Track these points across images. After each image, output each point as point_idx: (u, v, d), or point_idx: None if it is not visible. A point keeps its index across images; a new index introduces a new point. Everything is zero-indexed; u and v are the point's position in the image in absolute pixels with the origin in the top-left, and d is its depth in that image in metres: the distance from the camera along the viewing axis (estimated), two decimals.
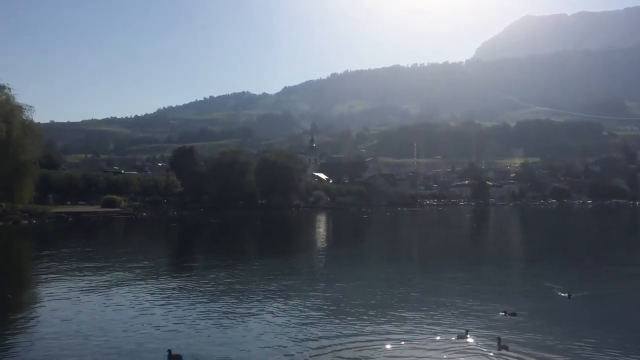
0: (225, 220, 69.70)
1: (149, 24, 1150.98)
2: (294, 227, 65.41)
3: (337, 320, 13.67)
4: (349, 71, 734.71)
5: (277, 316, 14.16)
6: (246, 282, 20.22)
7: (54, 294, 17.24)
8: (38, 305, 16.22)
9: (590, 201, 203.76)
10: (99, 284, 19.34)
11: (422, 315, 14.14)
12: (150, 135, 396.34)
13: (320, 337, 12.05)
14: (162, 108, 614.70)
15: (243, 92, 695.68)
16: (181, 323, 13.37)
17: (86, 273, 22.00)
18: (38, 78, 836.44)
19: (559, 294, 17.07)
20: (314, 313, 14.61)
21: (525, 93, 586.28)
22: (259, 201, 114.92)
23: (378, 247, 39.32)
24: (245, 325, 13.14)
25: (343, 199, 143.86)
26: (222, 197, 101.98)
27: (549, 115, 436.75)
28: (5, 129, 53.84)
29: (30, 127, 59.81)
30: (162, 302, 15.94)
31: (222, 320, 13.66)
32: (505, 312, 14.14)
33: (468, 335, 11.78)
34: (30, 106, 60.06)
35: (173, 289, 18.55)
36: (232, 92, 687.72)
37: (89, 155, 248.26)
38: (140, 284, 19.27)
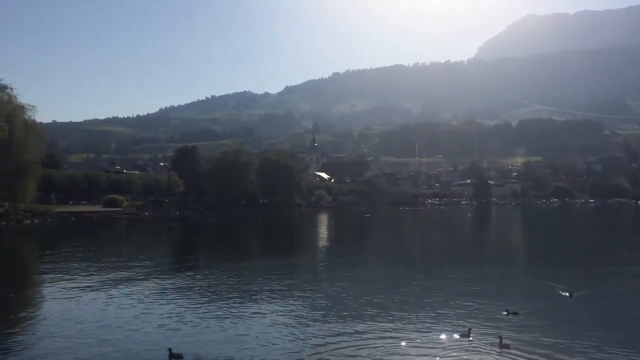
0: (226, 219, 69.76)
1: (150, 24, 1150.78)
2: (296, 226, 65.43)
3: (338, 319, 13.68)
4: (350, 70, 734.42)
5: (278, 315, 14.17)
6: (247, 281, 20.26)
7: (55, 293, 17.29)
8: (40, 304, 16.30)
9: (592, 200, 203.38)
10: (100, 283, 19.38)
11: (424, 314, 14.14)
12: (152, 135, 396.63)
13: (322, 336, 12.06)
14: (163, 108, 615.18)
15: (245, 91, 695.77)
16: (182, 322, 13.39)
17: (88, 272, 22.04)
18: (39, 78, 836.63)
19: (561, 293, 17.05)
20: (315, 312, 14.63)
21: (527, 92, 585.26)
22: (261, 201, 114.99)
23: (379, 247, 39.34)
24: (246, 324, 13.15)
25: (345, 198, 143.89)
26: (223, 197, 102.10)
27: (551, 114, 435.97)
28: (8, 128, 53.95)
29: (33, 127, 59.96)
30: (164, 301, 15.98)
31: (223, 319, 13.69)
32: (507, 312, 14.13)
33: (470, 334, 11.79)
34: (33, 106, 60.32)
35: (174, 288, 18.59)
36: (233, 92, 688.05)
37: (91, 155, 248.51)
38: (142, 283, 19.31)
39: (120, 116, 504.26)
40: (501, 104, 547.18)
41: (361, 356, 10.68)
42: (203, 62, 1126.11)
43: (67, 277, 20.78)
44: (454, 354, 10.76)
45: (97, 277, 20.87)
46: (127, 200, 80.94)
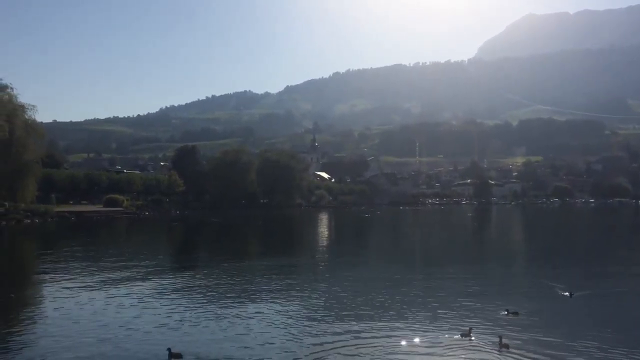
0: (227, 219, 69.78)
1: (150, 24, 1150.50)
2: (296, 226, 65.46)
3: (338, 319, 13.68)
4: (350, 70, 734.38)
5: (278, 315, 14.17)
6: (247, 281, 20.26)
7: (55, 293, 17.29)
8: (40, 303, 16.32)
9: (592, 200, 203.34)
10: (100, 282, 19.39)
11: (424, 314, 14.14)
12: (152, 135, 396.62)
13: (321, 336, 12.06)
14: (164, 107, 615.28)
15: (245, 91, 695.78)
16: (182, 321, 13.40)
17: (88, 272, 22.06)
18: (40, 78, 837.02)
19: (561, 293, 17.05)
20: (314, 312, 14.63)
21: (528, 92, 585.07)
22: (261, 200, 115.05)
23: (379, 247, 39.36)
24: (245, 324, 13.15)
25: (345, 198, 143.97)
26: (224, 197, 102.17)
27: (551, 114, 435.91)
28: (8, 128, 53.98)
29: (33, 127, 60.00)
30: (164, 301, 15.98)
31: (222, 319, 13.69)
32: (507, 311, 14.12)
33: (471, 333, 11.80)
34: (33, 106, 60.39)
35: (174, 287, 18.60)
36: (234, 92, 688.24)
37: (91, 155, 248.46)
38: (142, 283, 19.33)
39: (121, 116, 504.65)
40: (501, 103, 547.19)
41: (360, 355, 10.67)
42: (203, 62, 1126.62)
43: (67, 276, 20.79)
44: (454, 353, 10.76)
45: (97, 276, 20.89)
46: (127, 200, 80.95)
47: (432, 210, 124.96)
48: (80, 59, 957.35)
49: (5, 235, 44.20)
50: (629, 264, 26.20)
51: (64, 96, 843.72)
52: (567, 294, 16.78)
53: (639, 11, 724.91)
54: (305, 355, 10.72)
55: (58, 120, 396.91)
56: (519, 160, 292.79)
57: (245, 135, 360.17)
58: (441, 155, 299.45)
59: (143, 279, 20.26)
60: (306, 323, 13.30)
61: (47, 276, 21.11)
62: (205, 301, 16.09)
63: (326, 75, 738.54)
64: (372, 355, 10.65)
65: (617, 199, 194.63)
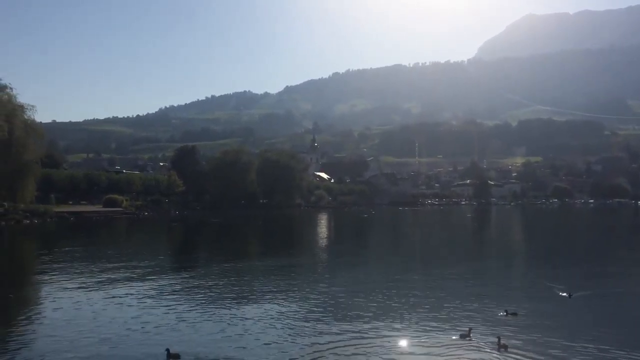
0: (226, 219, 69.77)
1: (149, 24, 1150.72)
2: (296, 226, 65.46)
3: (337, 319, 13.68)
4: (350, 70, 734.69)
5: (277, 315, 14.17)
6: (246, 281, 20.26)
7: (55, 293, 17.29)
8: (39, 304, 16.31)
9: (592, 200, 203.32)
10: (99, 283, 19.39)
11: (423, 314, 14.14)
12: (152, 135, 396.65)
13: (321, 336, 12.06)
14: (163, 107, 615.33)
15: (245, 91, 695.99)
16: (181, 322, 13.39)
17: (87, 272, 22.07)
18: (39, 78, 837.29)
19: (560, 293, 17.05)
20: (314, 312, 14.63)
21: (527, 92, 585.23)
22: (261, 201, 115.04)
23: (379, 247, 39.35)
24: (244, 324, 13.14)
25: (344, 198, 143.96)
26: (223, 197, 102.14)
27: (551, 115, 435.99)
28: (7, 128, 53.93)
29: (32, 127, 59.96)
30: (162, 301, 15.97)
31: (221, 319, 13.68)
32: (506, 312, 14.13)
33: (471, 334, 11.80)
34: (32, 106, 60.33)
35: (173, 288, 18.59)
36: (233, 92, 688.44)
37: (90, 155, 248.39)
38: (141, 283, 19.32)
39: (120, 116, 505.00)
40: (501, 104, 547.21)
41: (360, 355, 10.68)
42: (203, 62, 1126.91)
43: (66, 277, 20.79)
44: (454, 354, 10.76)
45: (96, 276, 20.88)
46: (126, 200, 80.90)
47: (431, 211, 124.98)
48: (80, 59, 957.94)
49: (4, 236, 44.17)
50: (628, 264, 26.22)
51: (63, 96, 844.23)
52: (566, 294, 16.78)
53: (639, 11, 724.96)
54: (304, 355, 10.72)
55: (57, 121, 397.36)
56: (519, 161, 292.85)
57: (245, 135, 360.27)
58: (441, 156, 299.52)
59: (142, 280, 20.25)
60: (305, 323, 13.30)
61: (46, 276, 21.10)
62: (204, 301, 16.09)
63: (326, 76, 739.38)
64: (372, 356, 10.65)
65: (617, 200, 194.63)
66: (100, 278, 20.55)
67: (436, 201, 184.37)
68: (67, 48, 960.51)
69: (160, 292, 17.59)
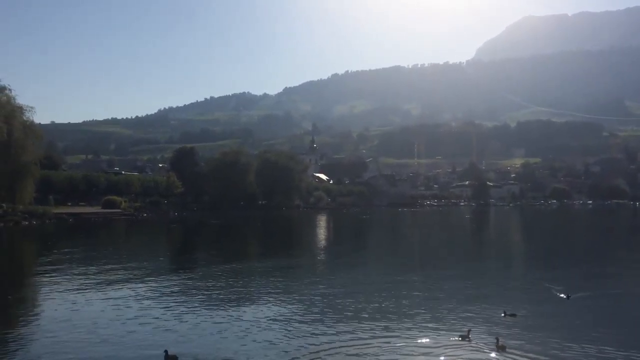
0: (226, 220, 69.73)
1: (149, 25, 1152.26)
2: (295, 227, 65.44)
3: (336, 321, 13.68)
4: (349, 71, 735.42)
5: (276, 316, 14.16)
6: (245, 282, 20.25)
7: (53, 295, 17.27)
8: (37, 305, 16.29)
9: (590, 202, 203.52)
10: (98, 284, 19.38)
11: (422, 315, 14.15)
12: (151, 136, 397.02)
13: (320, 337, 12.05)
14: (163, 109, 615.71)
15: (244, 92, 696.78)
16: (180, 323, 13.38)
17: (86, 273, 22.03)
18: (38, 79, 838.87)
19: (559, 294, 17.07)
20: (313, 313, 14.62)
21: (526, 93, 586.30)
22: (260, 202, 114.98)
23: (378, 248, 39.34)
24: (243, 326, 13.13)
25: (343, 199, 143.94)
26: (223, 198, 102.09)
27: (550, 116, 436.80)
28: (6, 130, 53.84)
29: (31, 128, 59.87)
30: (161, 302, 15.96)
31: (220, 321, 13.67)
32: (504, 313, 14.15)
33: (470, 335, 11.81)
34: (31, 107, 60.23)
35: (172, 289, 18.56)
36: (232, 93, 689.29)
37: (89, 156, 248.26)
38: (140, 284, 19.30)
39: (119, 117, 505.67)
40: (500, 105, 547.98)
41: (359, 356, 10.69)
42: (202, 63, 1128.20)
43: (64, 278, 20.76)
44: (452, 355, 10.77)
45: (95, 278, 20.86)
46: (125, 201, 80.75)
47: (430, 212, 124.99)
48: (78, 60, 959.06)
49: (3, 237, 44.10)
50: (626, 265, 26.25)
51: (62, 97, 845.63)
52: (564, 295, 16.80)
53: (637, 13, 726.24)
54: (303, 356, 10.73)
55: (56, 122, 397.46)
56: (518, 162, 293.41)
57: (244, 136, 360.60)
58: (440, 157, 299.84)
59: (140, 281, 20.23)
60: (304, 324, 13.30)
61: (44, 278, 21.07)
62: (202, 302, 16.09)
63: (325, 77, 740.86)
64: (371, 357, 10.65)
65: (615, 201, 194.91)
66: (98, 279, 20.53)
67: (435, 202, 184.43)
68: (65, 49, 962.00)
69: (159, 293, 17.58)
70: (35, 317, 14.32)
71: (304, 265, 26.57)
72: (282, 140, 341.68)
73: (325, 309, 15.18)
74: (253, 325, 13.15)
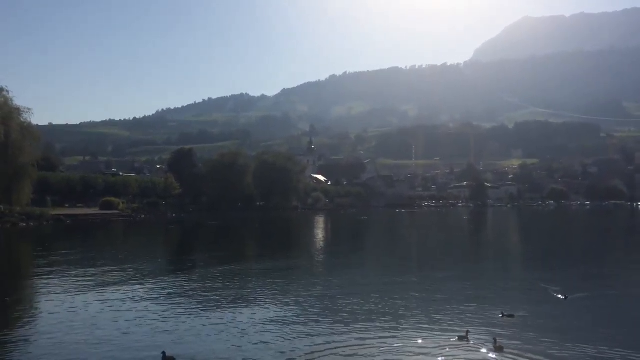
0: (224, 222, 69.69)
1: (147, 27, 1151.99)
2: (293, 228, 65.42)
3: (334, 322, 13.67)
4: (347, 73, 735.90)
5: (274, 317, 14.15)
6: (243, 284, 20.24)
7: (50, 296, 17.24)
8: (35, 307, 16.26)
9: (588, 202, 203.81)
10: (96, 286, 19.34)
11: (420, 316, 14.16)
12: (149, 138, 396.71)
13: (317, 338, 12.05)
14: (161, 110, 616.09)
15: (242, 94, 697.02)
16: (177, 325, 13.37)
17: (83, 275, 21.98)
18: (36, 80, 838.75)
19: (556, 295, 17.09)
20: (311, 314, 14.62)
21: (524, 94, 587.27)
22: (258, 203, 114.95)
23: (376, 249, 39.34)
24: (241, 327, 13.12)
25: (341, 200, 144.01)
26: (221, 199, 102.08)
27: (547, 117, 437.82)
28: (4, 131, 53.79)
29: (29, 130, 59.79)
30: (159, 304, 15.94)
31: (217, 322, 13.65)
32: (502, 314, 14.16)
33: (469, 336, 11.82)
34: (29, 109, 60.19)
35: (170, 290, 18.54)
36: (230, 94, 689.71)
37: (87, 158, 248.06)
38: (137, 286, 19.27)
39: (117, 118, 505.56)
40: (498, 106, 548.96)
41: (357, 356, 10.70)
42: (200, 64, 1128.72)
43: (62, 280, 20.71)
44: (450, 356, 10.79)
45: (93, 279, 20.83)
46: (123, 203, 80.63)
47: (428, 213, 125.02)
48: (76, 62, 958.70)
49: (0, 239, 43.99)
50: (624, 266, 26.30)
51: (59, 99, 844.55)
52: (562, 296, 16.82)
53: (635, 14, 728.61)
54: (301, 357, 10.74)
55: (54, 123, 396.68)
56: (515, 163, 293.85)
57: (242, 137, 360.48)
58: (438, 158, 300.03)
59: (138, 282, 20.20)
60: (302, 325, 13.30)
61: (42, 279, 21.02)
62: (200, 304, 16.06)
63: (323, 78, 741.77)
64: (369, 358, 10.66)
65: (613, 202, 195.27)
66: (96, 281, 20.49)
67: (433, 203, 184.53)
68: (63, 51, 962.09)
69: (157, 295, 17.56)
70: (33, 319, 14.31)
71: (302, 266, 26.57)
72: (280, 141, 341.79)
73: (322, 310, 15.18)
74: (250, 327, 13.15)
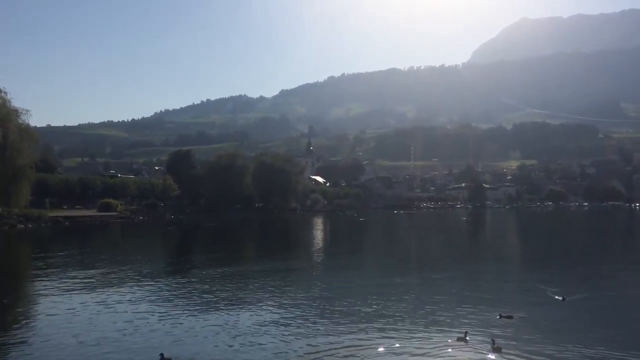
0: (222, 223, 69.64)
1: (145, 29, 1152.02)
2: (291, 230, 65.39)
3: (332, 323, 13.67)
4: (345, 74, 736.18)
5: (272, 319, 14.14)
6: (241, 285, 20.22)
7: (49, 298, 17.22)
8: (33, 309, 16.23)
9: (586, 203, 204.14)
10: (94, 287, 19.33)
11: (418, 318, 14.16)
12: (147, 139, 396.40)
13: (316, 340, 12.04)
14: (159, 111, 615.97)
15: (240, 95, 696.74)
16: (175, 326, 13.36)
17: (81, 277, 21.95)
18: (34, 81, 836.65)
19: (554, 297, 17.11)
20: (309, 316, 14.61)
21: (522, 95, 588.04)
22: (256, 204, 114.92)
23: (374, 251, 39.33)
24: (239, 329, 13.11)
25: (340, 202, 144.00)
26: (219, 201, 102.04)
27: (545, 118, 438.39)
28: (2, 133, 53.73)
29: (27, 131, 59.74)
30: (157, 305, 15.93)
31: (215, 324, 13.64)
32: (500, 315, 14.17)
33: (467, 337, 11.82)
34: (27, 110, 60.16)
35: (168, 292, 18.54)
36: (229, 96, 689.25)
37: (85, 159, 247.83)
38: (135, 288, 19.26)
39: (115, 120, 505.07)
40: (496, 107, 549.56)
41: (355, 357, 10.70)
42: (199, 65, 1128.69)
43: (60, 281, 20.68)
44: (449, 356, 10.80)
45: (91, 281, 20.81)
46: (121, 204, 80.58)
47: (426, 214, 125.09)
48: (74, 63, 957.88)
49: None
50: (622, 267, 26.32)
51: (58, 100, 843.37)
52: (560, 297, 16.84)
53: (633, 15, 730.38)
54: (299, 357, 10.74)
55: (52, 125, 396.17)
56: (514, 164, 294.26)
57: (240, 139, 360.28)
58: (436, 159, 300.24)
59: (136, 284, 20.18)
60: (301, 327, 13.29)
61: (40, 281, 20.99)
62: (198, 305, 16.05)
63: (321, 79, 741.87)
64: (367, 358, 10.67)
65: (611, 203, 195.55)
66: (94, 282, 20.48)
67: (431, 204, 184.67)
68: (61, 52, 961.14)
69: (155, 296, 17.55)
70: (30, 320, 14.28)
71: (300, 267, 26.58)
72: (279, 142, 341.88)
73: (320, 312, 15.17)
74: (249, 328, 13.14)
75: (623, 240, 50.75)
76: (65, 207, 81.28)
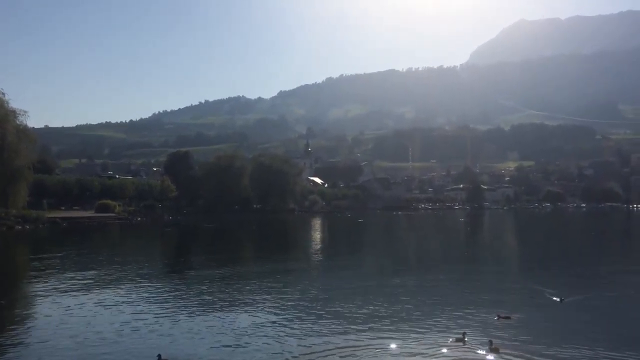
0: (220, 224, 69.62)
1: (144, 29, 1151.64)
2: (290, 231, 65.36)
3: (331, 324, 13.67)
4: (344, 75, 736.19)
5: (270, 320, 14.13)
6: (239, 286, 20.19)
7: (46, 299, 17.20)
8: (31, 309, 16.20)
9: (584, 205, 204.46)
10: (91, 288, 19.31)
11: (417, 319, 14.16)
12: (145, 140, 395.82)
13: (314, 340, 12.04)
14: (157, 112, 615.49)
15: (239, 96, 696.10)
16: (173, 327, 13.35)
17: (79, 278, 21.93)
18: (32, 82, 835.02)
19: (552, 298, 17.12)
20: (307, 316, 14.60)
21: (520, 97, 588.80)
22: (255, 205, 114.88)
23: (372, 252, 39.33)
24: (237, 330, 13.11)
25: (338, 203, 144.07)
26: (217, 202, 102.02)
27: (543, 119, 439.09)
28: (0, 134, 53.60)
29: (25, 132, 59.62)
30: (155, 307, 15.91)
31: (213, 325, 13.64)
32: (498, 316, 14.18)
33: (465, 338, 11.83)
34: (25, 111, 60.03)
35: (166, 293, 18.52)
36: (227, 97, 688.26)
37: (83, 160, 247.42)
38: (133, 289, 19.24)
39: (114, 121, 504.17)
40: (494, 109, 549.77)
41: (354, 358, 10.70)
42: (197, 66, 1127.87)
43: (58, 282, 20.66)
44: (448, 357, 10.81)
45: (88, 282, 20.78)
46: (119, 205, 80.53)
47: (425, 215, 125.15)
48: (72, 64, 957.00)
49: None
50: (619, 268, 26.34)
51: (56, 101, 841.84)
52: (557, 298, 16.86)
53: (630, 16, 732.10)
54: (297, 358, 10.73)
55: (50, 126, 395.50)
56: (512, 165, 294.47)
57: (239, 140, 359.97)
58: (434, 160, 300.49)
59: (134, 285, 20.17)
60: (299, 328, 13.29)
61: (38, 282, 20.97)
62: (196, 306, 16.04)
63: (320, 80, 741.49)
64: (365, 359, 10.68)
65: (609, 204, 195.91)
66: (92, 283, 20.46)
67: (430, 205, 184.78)
68: (59, 53, 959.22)
69: (153, 297, 17.54)
70: (28, 321, 14.27)
71: (299, 268, 26.57)
72: (277, 144, 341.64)
73: (319, 312, 15.16)
74: (247, 329, 13.13)
75: (621, 241, 50.82)
76: (63, 208, 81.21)
